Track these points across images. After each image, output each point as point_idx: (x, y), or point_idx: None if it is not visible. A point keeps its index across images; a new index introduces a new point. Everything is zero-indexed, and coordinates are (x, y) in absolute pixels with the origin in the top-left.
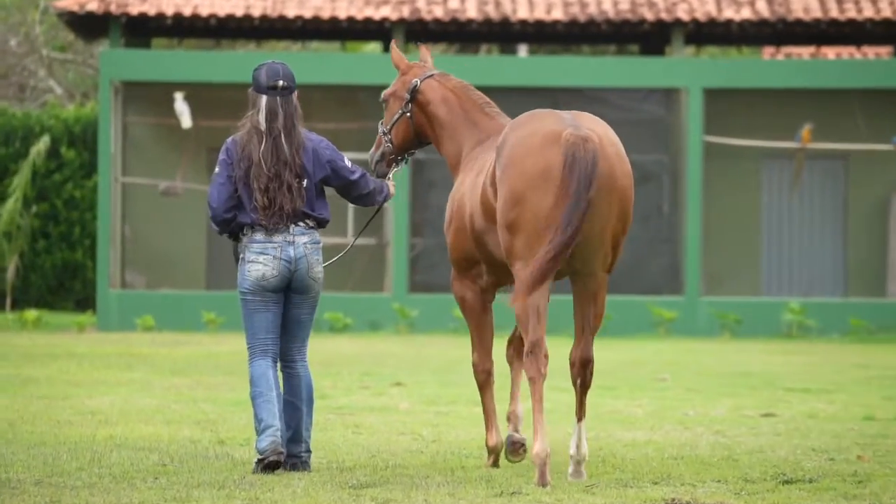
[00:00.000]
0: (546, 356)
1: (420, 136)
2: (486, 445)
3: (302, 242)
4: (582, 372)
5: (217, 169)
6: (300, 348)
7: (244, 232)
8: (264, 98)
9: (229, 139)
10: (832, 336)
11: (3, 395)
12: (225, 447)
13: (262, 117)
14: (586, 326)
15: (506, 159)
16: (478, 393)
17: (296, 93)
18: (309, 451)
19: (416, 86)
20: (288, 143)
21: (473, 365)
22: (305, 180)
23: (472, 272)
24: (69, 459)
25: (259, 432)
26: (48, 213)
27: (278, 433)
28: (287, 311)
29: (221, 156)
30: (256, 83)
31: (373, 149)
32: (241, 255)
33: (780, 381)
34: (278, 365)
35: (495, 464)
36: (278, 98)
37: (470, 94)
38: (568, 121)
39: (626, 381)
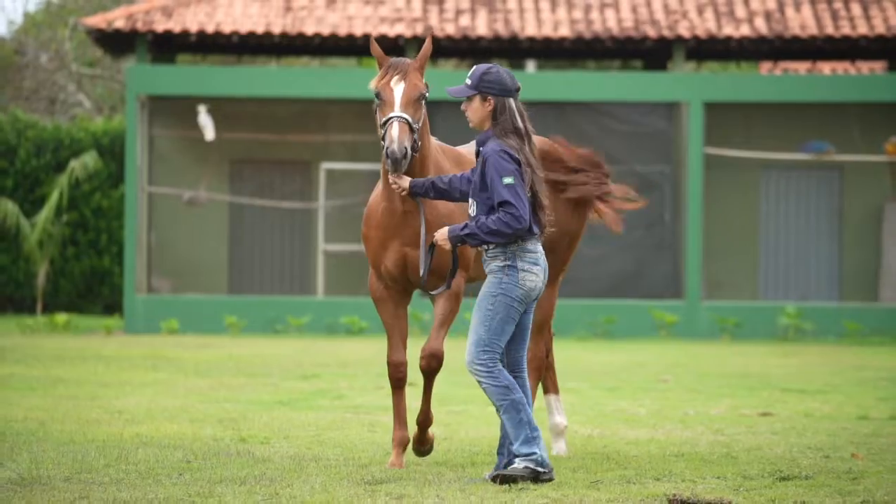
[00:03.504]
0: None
1: None
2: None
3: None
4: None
5: (512, 179)
6: (525, 356)
7: (519, 240)
8: (512, 100)
9: (503, 145)
10: (827, 339)
11: (34, 395)
12: (246, 445)
13: (518, 119)
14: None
15: None
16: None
17: None
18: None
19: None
20: (531, 146)
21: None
22: None
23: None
24: (97, 457)
25: (533, 440)
26: (77, 221)
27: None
28: (522, 320)
29: (512, 165)
30: (501, 86)
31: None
32: (509, 263)
33: (777, 382)
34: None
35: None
36: (519, 100)
37: None
38: None
39: (630, 382)
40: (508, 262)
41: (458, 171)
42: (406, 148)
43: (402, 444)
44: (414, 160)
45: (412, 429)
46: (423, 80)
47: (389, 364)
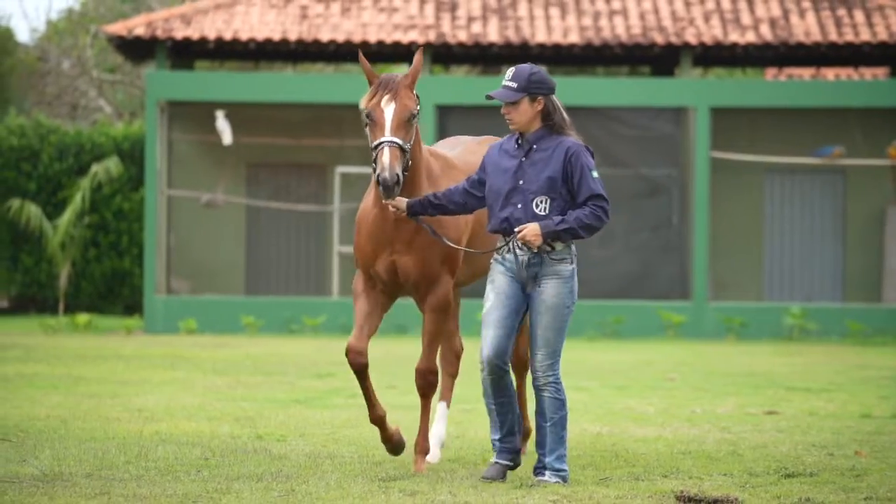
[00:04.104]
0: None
1: None
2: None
3: None
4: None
5: (597, 173)
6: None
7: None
8: (555, 97)
9: (579, 140)
10: (831, 339)
11: (56, 394)
12: (262, 442)
13: (565, 116)
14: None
15: None
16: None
17: None
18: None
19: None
20: None
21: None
22: None
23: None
24: (118, 454)
25: (565, 458)
26: (98, 223)
27: None
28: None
29: (593, 160)
30: (548, 85)
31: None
32: (574, 266)
33: (782, 381)
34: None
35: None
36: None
37: None
38: None
39: (638, 381)
40: (574, 266)
41: (448, 178)
42: (398, 175)
43: (376, 422)
44: (406, 178)
45: (409, 447)
46: (414, 96)
47: (349, 350)
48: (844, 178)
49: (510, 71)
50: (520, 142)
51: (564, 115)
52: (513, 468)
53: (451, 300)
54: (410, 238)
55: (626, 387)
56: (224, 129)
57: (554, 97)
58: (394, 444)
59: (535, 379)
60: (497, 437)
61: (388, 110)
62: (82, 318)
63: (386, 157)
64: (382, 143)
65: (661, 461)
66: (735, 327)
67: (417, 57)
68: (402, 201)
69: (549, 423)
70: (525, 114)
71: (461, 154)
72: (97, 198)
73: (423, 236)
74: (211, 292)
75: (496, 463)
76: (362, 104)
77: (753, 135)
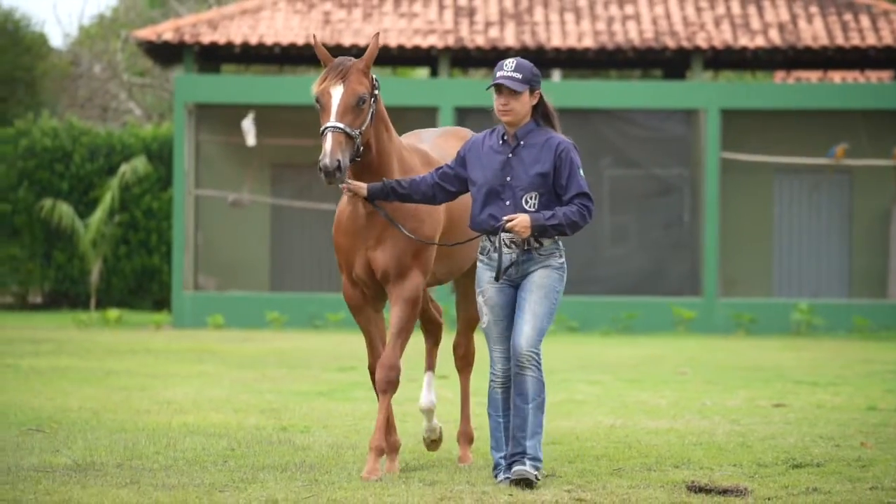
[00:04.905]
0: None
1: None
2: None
3: None
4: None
5: (582, 171)
6: None
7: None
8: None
9: (568, 138)
10: (838, 334)
11: (87, 386)
12: (287, 433)
13: (554, 111)
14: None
15: None
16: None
17: None
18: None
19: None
20: None
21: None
22: None
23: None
24: (147, 444)
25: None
26: (128, 222)
27: None
28: None
29: (579, 158)
30: (540, 79)
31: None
32: (563, 260)
33: (790, 375)
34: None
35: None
36: None
37: None
38: None
39: (650, 375)
40: (563, 260)
41: (427, 170)
42: (338, 160)
43: (388, 450)
44: (373, 161)
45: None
46: (368, 81)
47: (371, 371)
48: (851, 179)
49: (510, 62)
50: (505, 137)
51: (552, 109)
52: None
53: (420, 295)
54: (381, 232)
55: (639, 380)
56: (248, 130)
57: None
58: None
59: (517, 359)
60: (501, 454)
61: (336, 94)
62: (113, 313)
63: (328, 143)
64: (326, 128)
65: (673, 452)
66: (744, 323)
67: (373, 41)
68: (361, 186)
69: (531, 405)
70: (525, 105)
71: (432, 149)
72: (127, 197)
73: (394, 230)
74: (237, 289)
75: (506, 478)
76: (313, 89)
77: (762, 136)
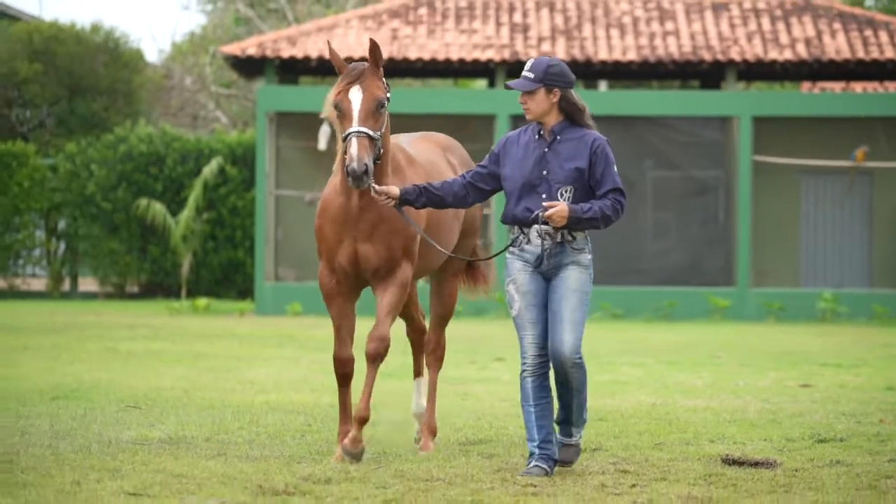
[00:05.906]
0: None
1: None
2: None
3: None
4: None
5: (616, 168)
6: None
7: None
8: (573, 91)
9: (601, 135)
10: (859, 321)
11: (179, 367)
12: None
13: (583, 109)
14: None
15: None
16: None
17: None
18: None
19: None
20: None
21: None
22: None
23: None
24: (232, 420)
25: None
26: (216, 219)
27: None
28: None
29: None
30: (566, 79)
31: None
32: (591, 256)
33: (816, 358)
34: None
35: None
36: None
37: None
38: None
39: (688, 358)
40: (591, 256)
41: (412, 169)
42: (366, 164)
43: (345, 434)
44: (377, 166)
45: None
46: (383, 85)
47: (336, 360)
48: (871, 179)
49: (529, 62)
50: (541, 133)
51: (581, 106)
52: (548, 476)
53: (409, 282)
54: (373, 226)
55: (678, 363)
56: (323, 135)
57: (572, 91)
58: (354, 453)
59: (563, 366)
60: (535, 442)
61: (356, 100)
62: (202, 302)
63: (354, 147)
64: (350, 133)
65: (709, 428)
66: (774, 311)
67: (373, 46)
68: (393, 189)
69: (579, 395)
70: (540, 104)
71: (408, 147)
72: (214, 197)
73: (386, 225)
74: (314, 279)
75: (536, 465)
76: (331, 95)
77: (790, 141)
